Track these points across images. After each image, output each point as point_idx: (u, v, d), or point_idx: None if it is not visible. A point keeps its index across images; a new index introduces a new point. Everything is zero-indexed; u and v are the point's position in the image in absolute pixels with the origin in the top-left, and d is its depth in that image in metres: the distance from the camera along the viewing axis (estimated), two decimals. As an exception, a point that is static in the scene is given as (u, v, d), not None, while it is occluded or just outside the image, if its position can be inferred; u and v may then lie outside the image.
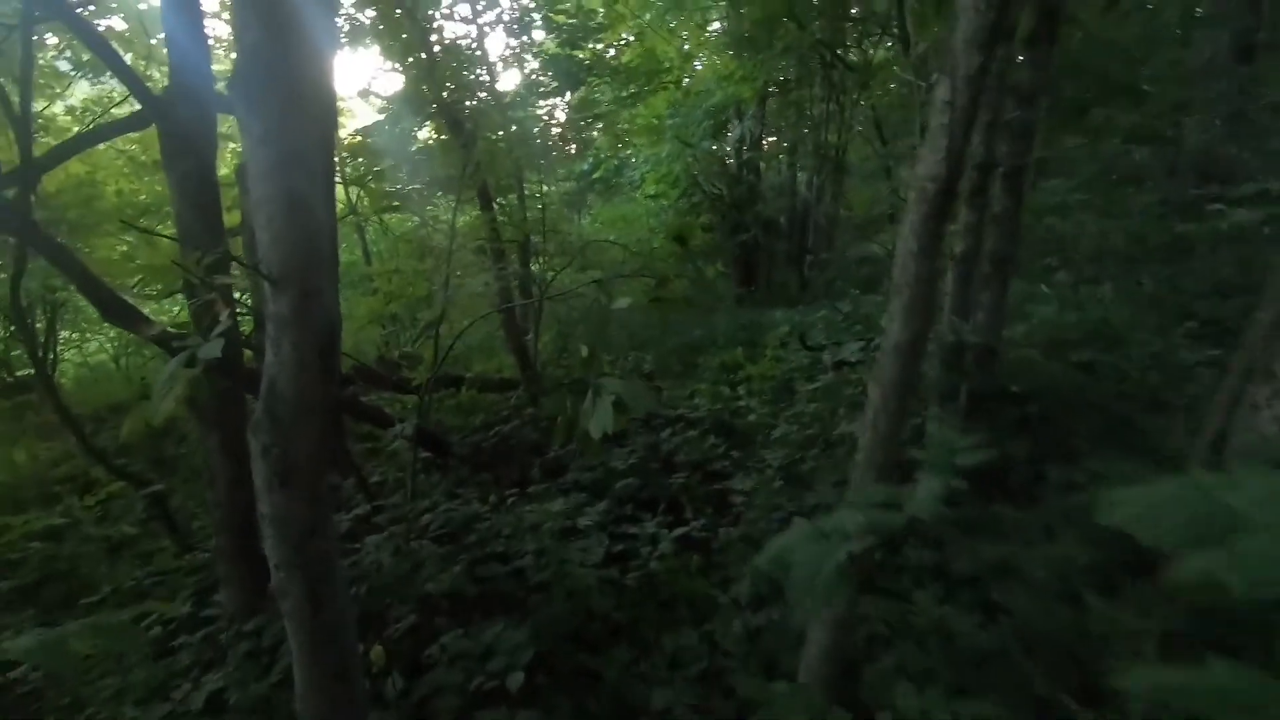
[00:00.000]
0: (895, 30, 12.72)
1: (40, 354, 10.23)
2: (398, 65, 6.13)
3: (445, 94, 6.53)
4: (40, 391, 5.80)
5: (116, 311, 3.66)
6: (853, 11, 12.53)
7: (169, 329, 3.32)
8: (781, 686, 1.85)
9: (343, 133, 9.24)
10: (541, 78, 8.74)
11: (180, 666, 2.99)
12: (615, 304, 2.48)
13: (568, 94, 9.13)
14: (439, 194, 6.28)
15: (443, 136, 6.68)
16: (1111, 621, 2.31)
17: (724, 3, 13.14)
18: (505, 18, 7.96)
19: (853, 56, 12.81)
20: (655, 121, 11.55)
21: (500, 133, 7.44)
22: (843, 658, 2.42)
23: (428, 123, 6.63)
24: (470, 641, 2.65)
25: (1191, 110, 8.94)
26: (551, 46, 8.13)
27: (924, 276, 1.95)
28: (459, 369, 8.44)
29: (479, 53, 7.64)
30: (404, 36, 6.20)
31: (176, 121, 3.17)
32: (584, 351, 2.52)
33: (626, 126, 11.76)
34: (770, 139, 16.10)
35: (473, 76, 7.47)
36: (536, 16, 8.11)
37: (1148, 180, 8.89)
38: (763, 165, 15.78)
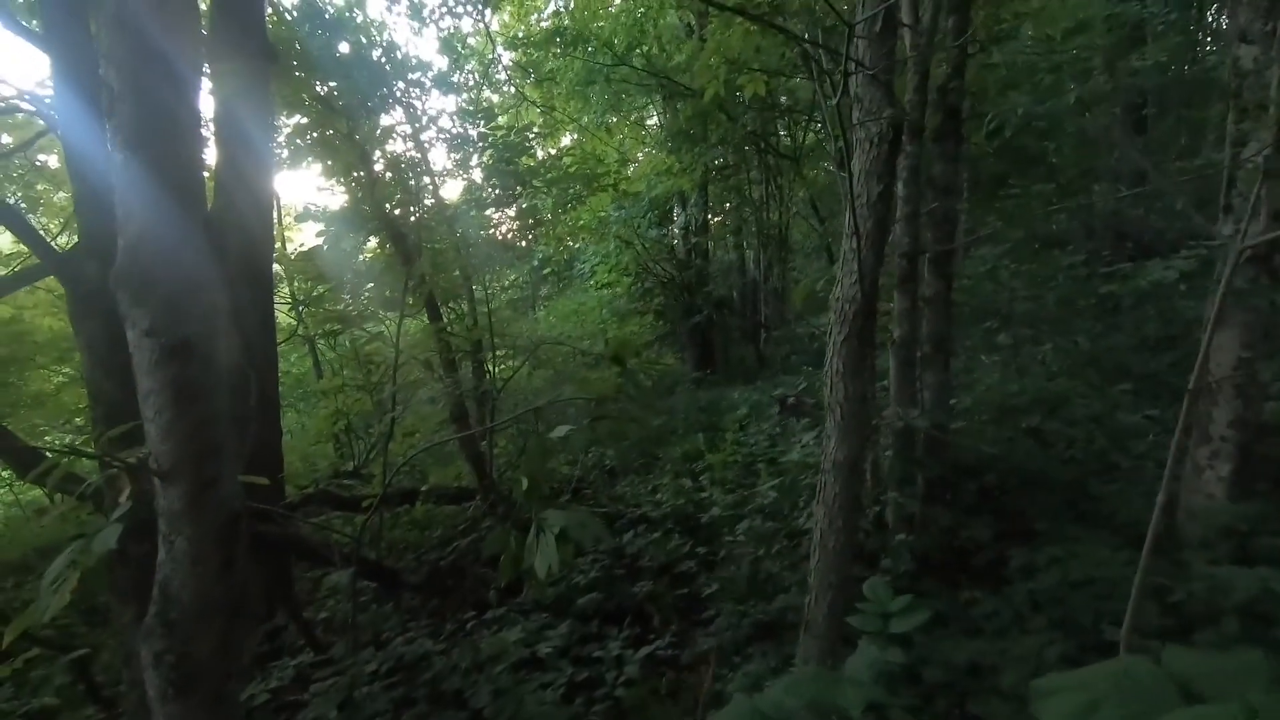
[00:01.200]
0: (818, 121, 13.57)
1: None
2: (339, 182, 6.20)
3: (389, 206, 6.61)
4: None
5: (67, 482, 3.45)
6: (782, 99, 13.32)
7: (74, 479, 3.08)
8: None
9: (288, 249, 9.26)
10: (485, 187, 8.93)
11: None
12: (554, 433, 2.42)
13: (511, 201, 9.33)
14: (384, 310, 6.26)
15: (386, 250, 6.71)
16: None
17: (658, 99, 13.86)
18: (445, 136, 8.20)
19: (786, 140, 13.53)
20: (599, 219, 11.87)
21: (444, 242, 7.52)
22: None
23: (371, 237, 6.67)
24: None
25: (1098, 177, 9.59)
26: (490, 161, 8.35)
27: (855, 395, 1.95)
28: (417, 480, 8.19)
29: (420, 167, 7.81)
30: (344, 156, 6.31)
31: (84, 280, 3.09)
32: (524, 484, 2.43)
33: (571, 226, 12.06)
34: (715, 219, 16.70)
35: (414, 189, 7.60)
36: (474, 133, 8.37)
37: (1069, 243, 9.39)
38: (710, 246, 16.30)
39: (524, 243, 13.60)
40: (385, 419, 5.16)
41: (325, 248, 5.22)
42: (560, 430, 2.41)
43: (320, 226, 6.01)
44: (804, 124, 13.80)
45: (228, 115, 4.81)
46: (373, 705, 3.44)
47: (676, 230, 14.24)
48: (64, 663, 4.14)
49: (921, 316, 4.48)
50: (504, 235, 10.20)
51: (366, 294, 5.89)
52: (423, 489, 6.68)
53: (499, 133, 7.97)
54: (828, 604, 2.03)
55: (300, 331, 6.00)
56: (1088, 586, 3.05)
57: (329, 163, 6.22)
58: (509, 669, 3.71)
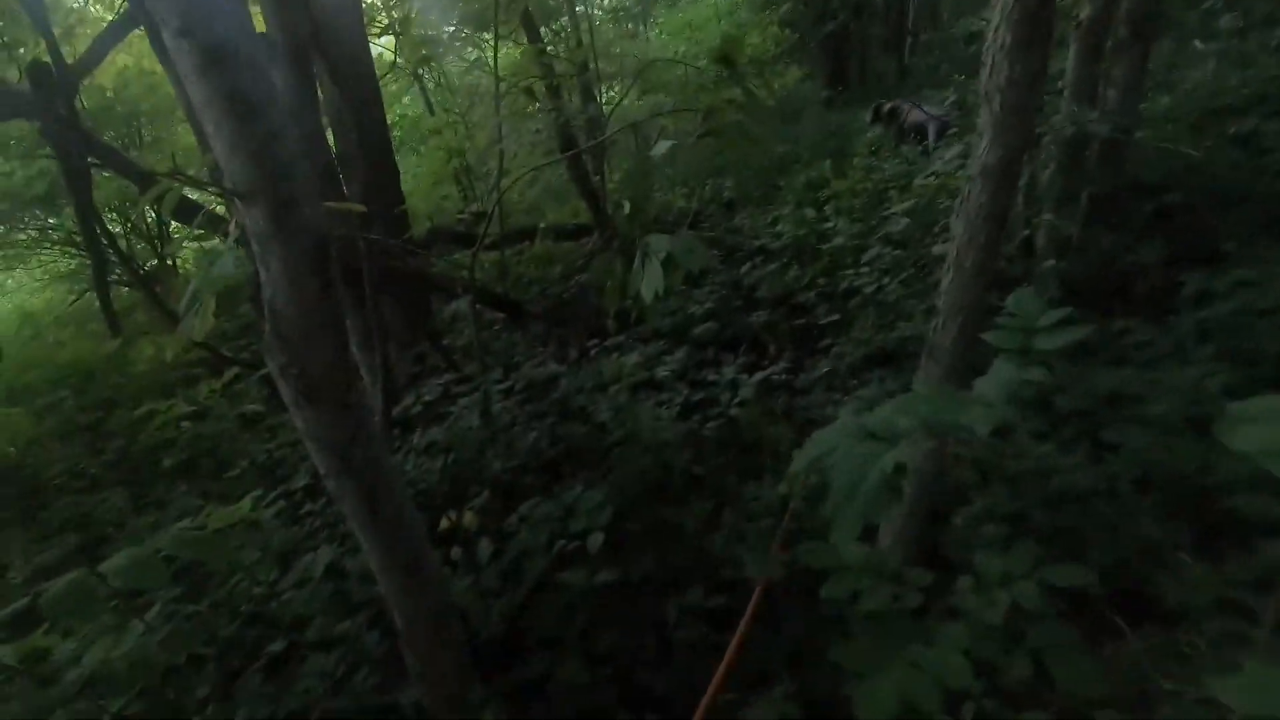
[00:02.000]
0: None
1: (157, 248, 10.94)
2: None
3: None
4: (147, 291, 6.25)
5: (183, 211, 3.71)
6: None
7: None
8: (850, 552, 1.75)
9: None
10: None
11: (305, 534, 3.34)
12: (654, 150, 2.18)
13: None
14: (478, 33, 5.76)
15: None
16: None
17: None
18: None
19: None
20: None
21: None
22: (929, 508, 2.31)
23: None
24: (552, 505, 2.75)
25: None
26: None
27: (1021, 77, 1.54)
28: (536, 218, 8.29)
29: None
30: None
31: None
32: (626, 208, 2.27)
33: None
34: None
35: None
36: None
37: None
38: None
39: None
40: (494, 151, 5.03)
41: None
42: (661, 146, 2.16)
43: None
44: None
45: None
46: (508, 417, 3.82)
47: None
48: (257, 376, 4.86)
49: (1122, -12, 3.50)
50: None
51: (456, 15, 5.40)
52: (540, 226, 6.76)
53: None
54: (957, 327, 1.84)
55: (398, 62, 5.72)
56: (1278, 315, 2.63)
57: None
58: (628, 389, 3.94)
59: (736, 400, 3.55)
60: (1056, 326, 1.06)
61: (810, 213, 6.44)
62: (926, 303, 3.68)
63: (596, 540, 2.47)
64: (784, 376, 3.76)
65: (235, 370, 5.84)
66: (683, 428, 3.37)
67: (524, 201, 7.70)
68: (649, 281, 2.30)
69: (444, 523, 2.95)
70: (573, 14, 7.65)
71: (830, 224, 6.10)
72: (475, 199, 9.89)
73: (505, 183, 7.13)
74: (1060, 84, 3.86)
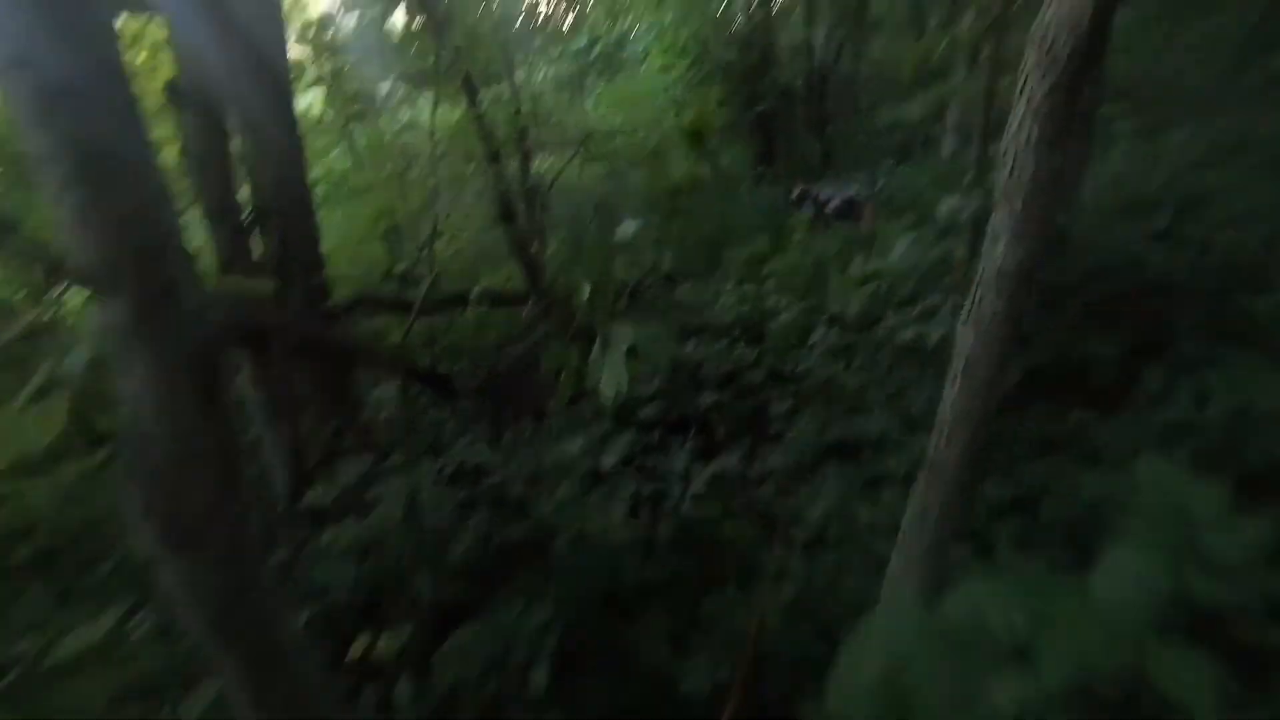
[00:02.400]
0: None
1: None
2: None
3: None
4: None
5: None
6: None
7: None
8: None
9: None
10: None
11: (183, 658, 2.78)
12: (619, 231, 1.96)
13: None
14: (415, 88, 5.54)
15: (414, 22, 5.84)
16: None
17: None
18: None
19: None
20: (655, -18, 10.26)
21: (480, 13, 6.54)
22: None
23: (395, 9, 5.78)
24: (488, 628, 2.35)
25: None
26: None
27: (1046, 177, 1.39)
28: (468, 282, 7.94)
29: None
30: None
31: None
32: (584, 291, 2.02)
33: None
34: (781, -5, 14.52)
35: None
36: None
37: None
38: (775, 27, 14.27)
39: (569, 18, 12.08)
40: (428, 218, 4.74)
41: (340, 15, 4.46)
42: (627, 228, 1.94)
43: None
44: None
45: None
46: (437, 512, 3.40)
47: (738, 5, 12.34)
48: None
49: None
50: (549, 6, 8.93)
51: (393, 73, 5.16)
52: (473, 292, 6.40)
53: None
54: (963, 444, 1.64)
55: (325, 116, 5.41)
56: (1245, 414, 2.59)
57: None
58: (572, 483, 3.60)
59: (690, 494, 3.26)
60: (1235, 527, 0.83)
61: (752, 288, 6.39)
62: (883, 389, 3.55)
63: (540, 678, 2.09)
64: (738, 466, 3.50)
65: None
66: (634, 527, 3.05)
67: (457, 264, 7.37)
68: (610, 376, 2.03)
69: (356, 648, 2.49)
70: (512, 81, 7.56)
71: (772, 300, 6.06)
72: (403, 259, 9.47)
73: (439, 245, 6.82)
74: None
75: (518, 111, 7.14)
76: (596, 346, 2.01)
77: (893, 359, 3.69)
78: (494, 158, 6.23)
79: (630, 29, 12.75)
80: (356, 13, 5.11)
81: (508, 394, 4.77)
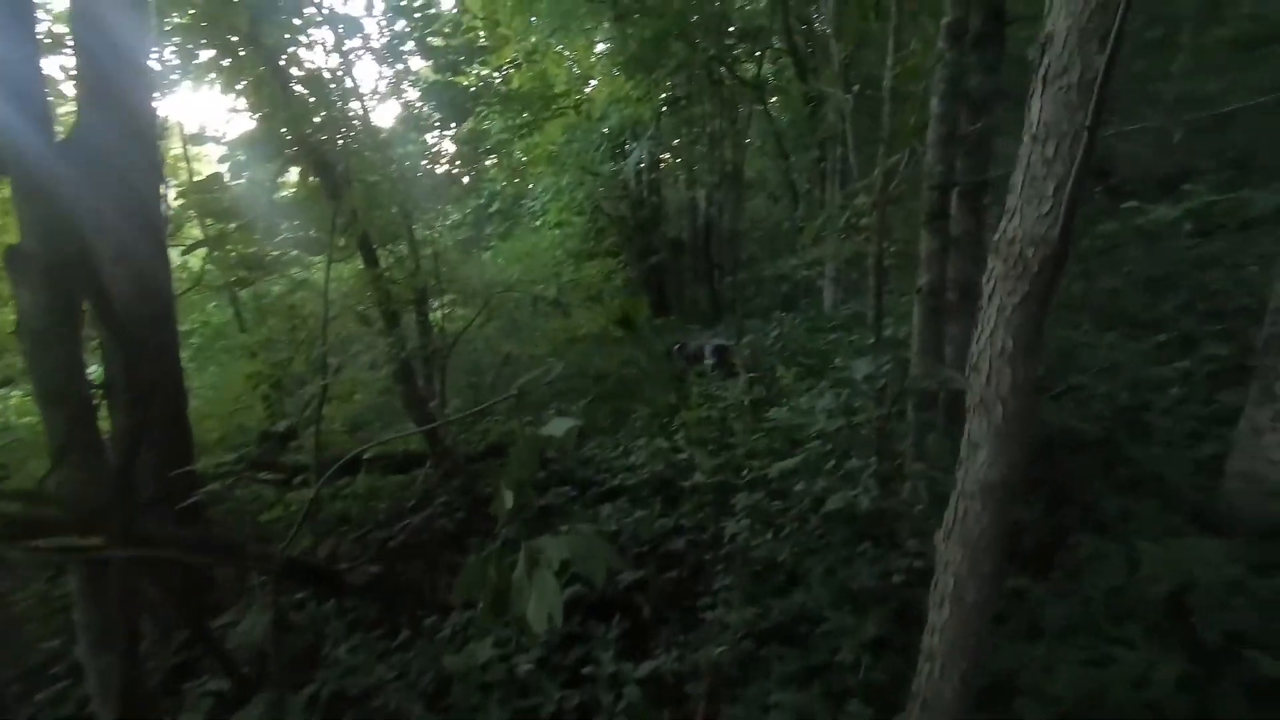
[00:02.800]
0: (783, 46, 12.71)
1: None
2: (244, 100, 5.11)
3: (309, 131, 5.54)
4: None
5: None
6: (730, 29, 12.35)
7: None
8: None
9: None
10: (423, 108, 7.82)
11: None
12: (549, 429, 1.73)
13: (454, 126, 8.25)
14: (306, 253, 5.29)
15: (308, 183, 5.70)
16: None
17: (609, 25, 12.71)
18: (374, 44, 7.05)
19: (748, 68, 12.61)
20: (553, 149, 10.83)
21: (378, 176, 6.51)
22: None
23: (288, 168, 5.64)
24: None
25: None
26: (430, 74, 7.26)
27: (1024, 385, 1.30)
28: (358, 443, 7.34)
29: (347, 84, 6.70)
30: (248, 66, 5.21)
31: None
32: (508, 500, 1.74)
33: (524, 157, 10.98)
34: (667, 157, 15.83)
35: (340, 110, 6.52)
36: (410, 43, 7.22)
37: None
38: (662, 185, 15.42)
39: (468, 177, 12.44)
40: (316, 386, 4.34)
41: (228, 177, 4.23)
42: (559, 426, 1.71)
43: (226, 152, 4.95)
44: (765, 50, 12.91)
45: (86, 11, 3.76)
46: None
47: (630, 166, 13.28)
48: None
49: (949, 261, 3.88)
50: (448, 166, 9.12)
51: (284, 234, 4.92)
52: (365, 458, 5.86)
53: (439, 42, 6.88)
54: (959, 675, 1.43)
55: (206, 279, 5.00)
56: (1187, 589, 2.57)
57: (228, 72, 5.11)
58: (479, 690, 3.09)
59: (622, 707, 2.83)
60: None
61: (663, 443, 6.25)
62: (820, 563, 3.36)
63: None
64: (674, 664, 3.12)
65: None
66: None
67: (346, 427, 6.81)
68: (540, 600, 1.72)
69: None
70: (412, 239, 7.49)
71: (684, 455, 5.91)
72: (284, 418, 8.72)
73: (329, 408, 6.29)
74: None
75: (416, 270, 7.01)
76: (520, 566, 1.70)
77: (823, 527, 3.55)
78: (392, 319, 5.96)
79: (527, 188, 13.28)
80: (246, 174, 4.90)
81: (402, 584, 4.20)
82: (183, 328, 9.36)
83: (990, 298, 1.29)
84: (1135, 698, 2.13)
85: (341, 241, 5.13)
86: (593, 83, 12.57)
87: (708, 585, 3.83)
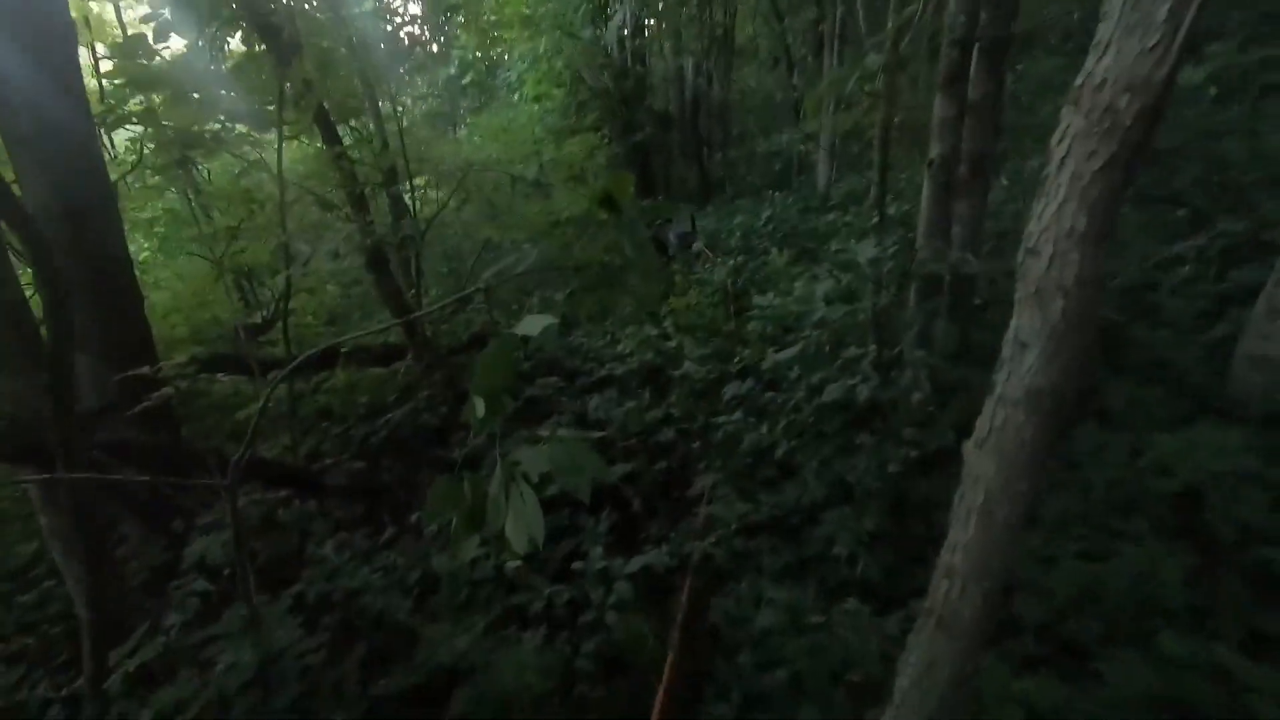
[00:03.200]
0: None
1: None
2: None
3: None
4: None
5: None
6: None
7: None
8: None
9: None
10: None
11: None
12: (522, 327, 1.50)
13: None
14: (255, 129, 4.77)
15: (254, 48, 5.08)
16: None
17: None
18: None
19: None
20: (527, 11, 9.86)
21: (331, 41, 5.85)
22: None
23: (226, 31, 5.00)
24: None
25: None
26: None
27: (1092, 275, 1.06)
28: (340, 332, 7.09)
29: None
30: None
31: None
32: (479, 408, 1.54)
33: (494, 18, 10.00)
34: (651, 24, 14.61)
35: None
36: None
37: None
38: (648, 54, 14.30)
39: (436, 44, 11.40)
40: (279, 278, 4.04)
41: (152, 39, 3.67)
42: (534, 324, 1.48)
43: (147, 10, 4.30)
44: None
45: None
46: (300, 646, 2.72)
47: (612, 31, 12.19)
48: None
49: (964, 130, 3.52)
50: (412, 29, 8.31)
51: (227, 107, 4.38)
52: (342, 350, 5.64)
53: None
54: (981, 594, 1.30)
55: (144, 158, 4.52)
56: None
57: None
58: (467, 586, 3.04)
59: (612, 603, 2.79)
60: None
61: (651, 330, 6.05)
62: (813, 456, 3.26)
63: None
64: (665, 558, 3.06)
65: None
66: (550, 657, 2.54)
67: (321, 318, 6.54)
68: (519, 521, 1.56)
69: None
70: (377, 114, 6.88)
71: (673, 342, 5.74)
72: (259, 307, 8.39)
73: (298, 300, 6.00)
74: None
75: (385, 147, 6.49)
76: (496, 478, 1.52)
77: (818, 417, 3.41)
78: (359, 202, 5.53)
79: (502, 57, 12.27)
80: (175, 36, 4.31)
81: (387, 483, 4.11)
82: (145, 214, 8.81)
83: (1062, 163, 1.03)
84: (1138, 592, 2.06)
85: (293, 116, 4.62)
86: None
87: (700, 480, 3.74)
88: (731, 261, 7.48)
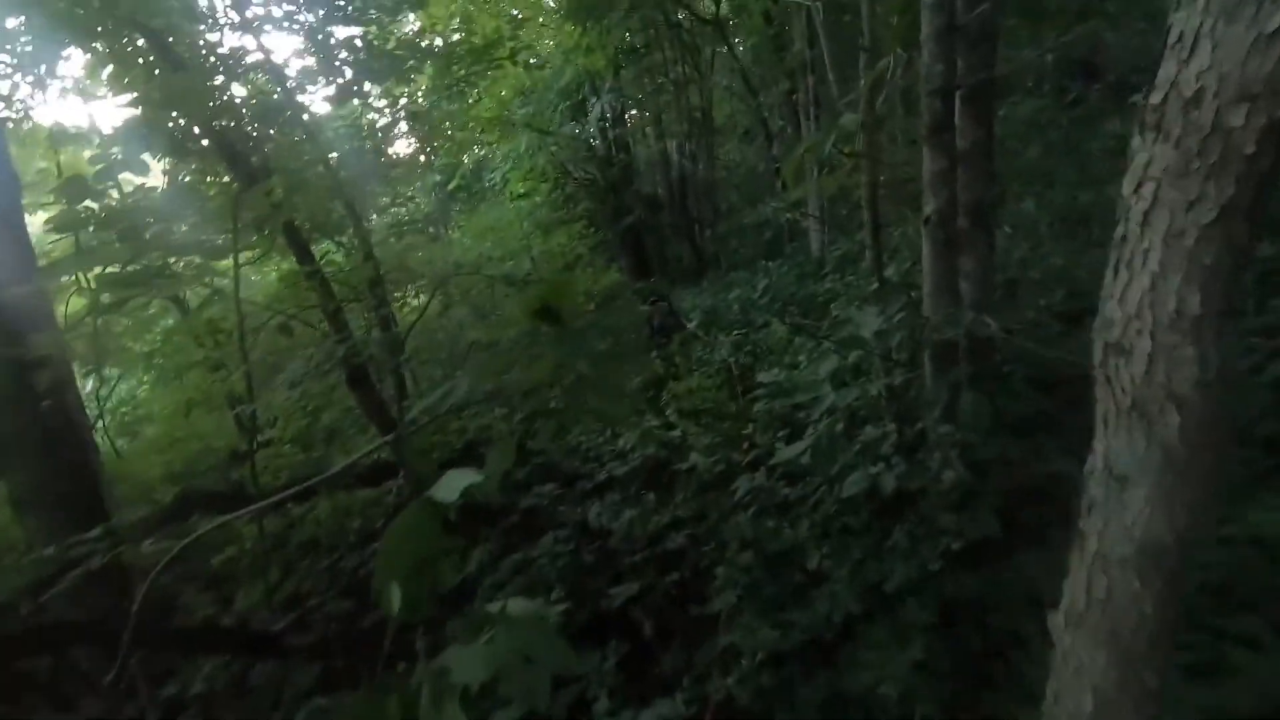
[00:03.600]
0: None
1: None
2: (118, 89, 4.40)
3: (209, 113, 4.81)
4: None
5: None
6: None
7: None
8: None
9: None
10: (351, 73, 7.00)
11: None
12: (441, 488, 1.16)
13: (383, 87, 7.43)
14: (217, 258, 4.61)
15: (217, 178, 5.02)
16: None
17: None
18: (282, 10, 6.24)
19: (706, 4, 11.71)
20: (506, 113, 10.02)
21: (304, 159, 5.81)
22: None
23: (185, 161, 4.94)
24: None
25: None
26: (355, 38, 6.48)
27: (1215, 376, 0.71)
28: (322, 456, 6.75)
29: (255, 58, 5.97)
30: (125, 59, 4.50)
31: None
32: (393, 598, 1.16)
33: (469, 124, 10.17)
34: (632, 112, 14.98)
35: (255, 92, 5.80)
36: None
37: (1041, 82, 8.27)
38: (631, 140, 14.56)
39: (424, 155, 11.61)
40: (246, 410, 3.78)
41: (93, 179, 3.55)
42: (453, 485, 1.14)
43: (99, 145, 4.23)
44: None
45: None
46: None
47: (592, 123, 12.42)
48: None
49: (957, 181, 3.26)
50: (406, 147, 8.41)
51: (182, 239, 4.22)
52: (329, 472, 5.28)
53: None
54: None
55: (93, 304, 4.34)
56: None
57: (102, 60, 4.38)
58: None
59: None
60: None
61: (653, 420, 5.69)
62: (843, 561, 2.82)
63: None
64: (683, 706, 2.59)
65: None
66: None
67: (301, 443, 6.23)
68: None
69: None
70: (359, 225, 6.80)
71: (677, 430, 5.36)
72: (259, 430, 8.13)
73: (278, 429, 5.71)
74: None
75: (369, 256, 6.34)
76: (425, 695, 1.15)
77: (840, 512, 3.00)
78: (336, 318, 5.32)
79: (485, 158, 12.48)
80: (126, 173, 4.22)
81: (368, 629, 3.67)
82: (144, 348, 8.66)
83: (1147, 218, 0.70)
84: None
85: (258, 240, 4.46)
86: (528, 31, 11.64)
87: (718, 592, 3.28)
88: (730, 337, 7.19)
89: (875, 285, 3.39)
